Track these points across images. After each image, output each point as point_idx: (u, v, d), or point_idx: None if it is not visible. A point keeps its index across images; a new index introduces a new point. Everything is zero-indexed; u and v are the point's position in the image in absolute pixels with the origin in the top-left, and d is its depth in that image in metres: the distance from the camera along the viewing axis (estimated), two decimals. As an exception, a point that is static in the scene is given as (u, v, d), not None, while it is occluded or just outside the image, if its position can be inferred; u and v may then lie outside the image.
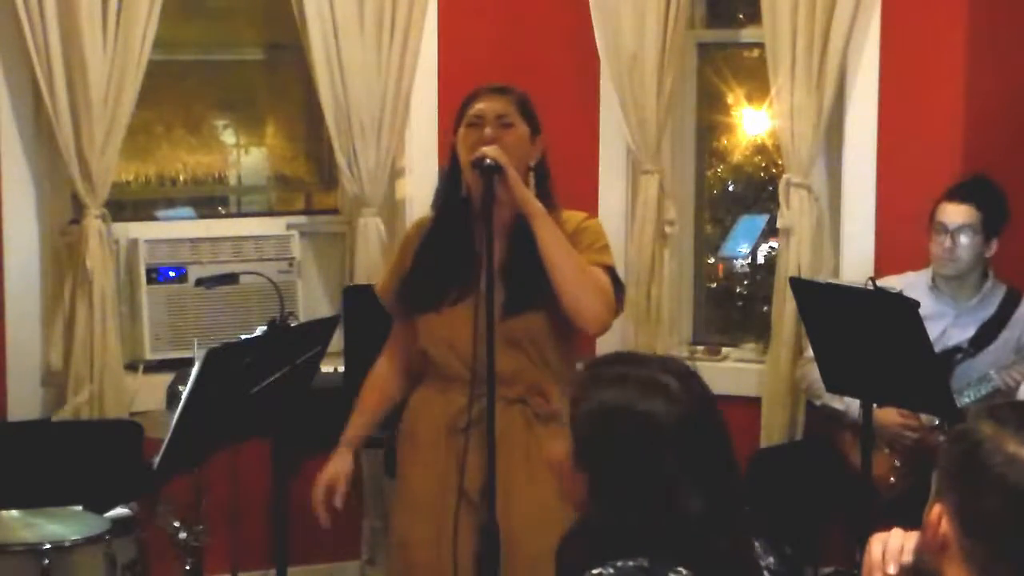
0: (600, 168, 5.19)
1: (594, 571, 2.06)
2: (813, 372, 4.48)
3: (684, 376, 2.17)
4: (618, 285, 3.50)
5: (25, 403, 4.67)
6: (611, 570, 2.06)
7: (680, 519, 2.08)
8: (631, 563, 2.07)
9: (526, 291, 3.39)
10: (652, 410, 2.11)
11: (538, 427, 3.43)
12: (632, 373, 2.17)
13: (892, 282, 4.37)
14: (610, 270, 3.49)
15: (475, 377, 3.36)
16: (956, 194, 4.48)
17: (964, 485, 1.76)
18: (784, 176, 4.90)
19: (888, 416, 4.36)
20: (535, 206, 3.37)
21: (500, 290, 3.38)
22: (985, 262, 4.52)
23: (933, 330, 4.22)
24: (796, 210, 4.86)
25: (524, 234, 3.38)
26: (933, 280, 4.54)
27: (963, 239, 4.44)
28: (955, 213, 4.44)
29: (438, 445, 3.45)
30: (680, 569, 2.06)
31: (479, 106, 3.44)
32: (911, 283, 4.46)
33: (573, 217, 3.53)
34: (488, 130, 3.38)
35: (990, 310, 4.53)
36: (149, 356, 4.83)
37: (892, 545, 1.91)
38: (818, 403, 4.64)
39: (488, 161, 3.30)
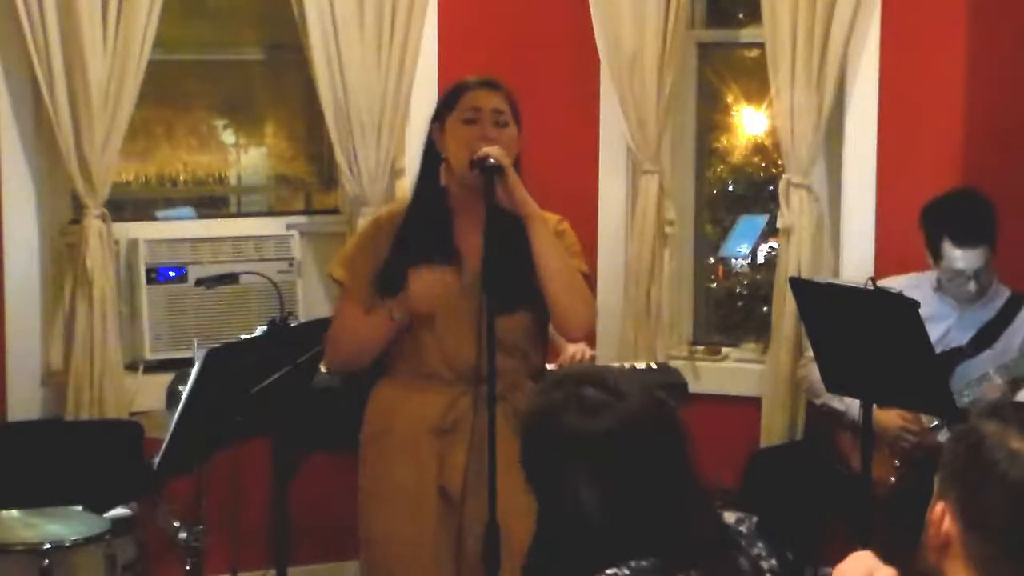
0: (600, 168, 5.18)
1: (609, 571, 2.06)
2: (814, 372, 4.48)
3: (612, 383, 2.15)
4: (591, 292, 3.53)
5: (25, 403, 4.67)
6: (626, 571, 2.06)
7: (615, 534, 2.09)
8: (644, 563, 2.07)
9: (512, 290, 3.38)
10: (569, 422, 2.12)
11: (516, 422, 3.43)
12: (562, 389, 2.16)
13: (896, 283, 4.35)
14: (585, 276, 3.50)
15: (465, 375, 3.36)
16: (964, 239, 4.37)
17: (967, 482, 1.77)
18: (784, 176, 4.90)
19: (888, 418, 4.36)
20: (533, 209, 3.37)
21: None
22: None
23: (935, 331, 4.22)
24: (796, 210, 4.86)
25: (504, 232, 3.35)
26: (938, 281, 4.53)
27: (980, 277, 4.42)
28: (970, 259, 4.38)
29: (419, 444, 3.42)
30: (692, 572, 2.07)
31: (477, 101, 3.41)
32: (915, 284, 4.45)
33: (548, 219, 3.52)
34: (489, 129, 3.37)
35: (992, 312, 4.52)
36: (149, 356, 4.83)
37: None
38: (818, 402, 4.64)
39: (491, 161, 3.29)
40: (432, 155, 3.47)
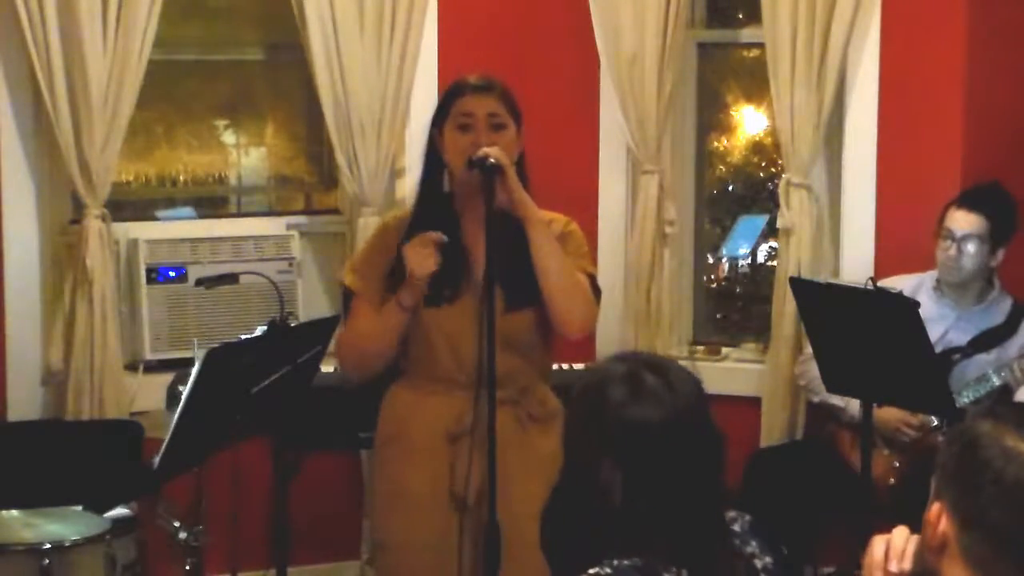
0: (600, 168, 5.19)
1: (591, 571, 2.07)
2: (813, 369, 4.48)
3: (672, 377, 2.16)
4: (597, 292, 3.53)
5: (25, 403, 4.67)
6: (608, 570, 2.06)
7: (644, 517, 2.09)
8: (626, 562, 2.07)
9: (523, 288, 3.38)
10: (616, 397, 2.12)
11: (531, 426, 3.43)
12: (619, 370, 2.17)
13: (896, 283, 4.36)
14: (592, 277, 3.50)
15: (478, 379, 3.34)
16: (966, 201, 4.43)
17: (962, 481, 1.77)
18: (784, 176, 4.90)
19: (887, 412, 4.36)
20: (532, 210, 3.37)
21: (496, 288, 3.38)
22: (990, 271, 4.51)
23: (934, 332, 4.21)
24: (796, 210, 4.86)
25: (513, 230, 3.36)
26: (937, 283, 4.53)
27: (969, 247, 4.41)
28: (963, 221, 4.40)
29: (436, 449, 3.42)
30: (674, 569, 2.07)
31: (468, 107, 3.41)
32: (915, 284, 4.46)
33: (556, 220, 3.51)
34: (484, 135, 3.37)
35: (996, 319, 4.51)
36: (149, 356, 4.83)
37: (896, 544, 1.92)
38: (816, 399, 4.64)
39: (491, 161, 3.29)
40: (433, 159, 3.48)
